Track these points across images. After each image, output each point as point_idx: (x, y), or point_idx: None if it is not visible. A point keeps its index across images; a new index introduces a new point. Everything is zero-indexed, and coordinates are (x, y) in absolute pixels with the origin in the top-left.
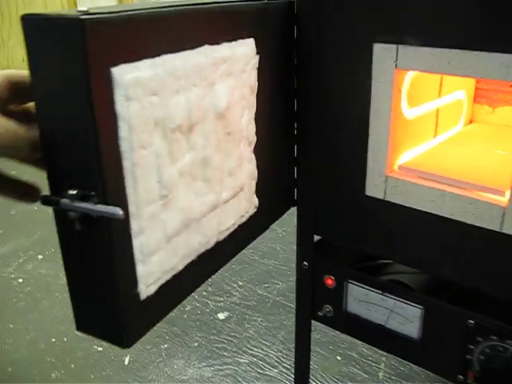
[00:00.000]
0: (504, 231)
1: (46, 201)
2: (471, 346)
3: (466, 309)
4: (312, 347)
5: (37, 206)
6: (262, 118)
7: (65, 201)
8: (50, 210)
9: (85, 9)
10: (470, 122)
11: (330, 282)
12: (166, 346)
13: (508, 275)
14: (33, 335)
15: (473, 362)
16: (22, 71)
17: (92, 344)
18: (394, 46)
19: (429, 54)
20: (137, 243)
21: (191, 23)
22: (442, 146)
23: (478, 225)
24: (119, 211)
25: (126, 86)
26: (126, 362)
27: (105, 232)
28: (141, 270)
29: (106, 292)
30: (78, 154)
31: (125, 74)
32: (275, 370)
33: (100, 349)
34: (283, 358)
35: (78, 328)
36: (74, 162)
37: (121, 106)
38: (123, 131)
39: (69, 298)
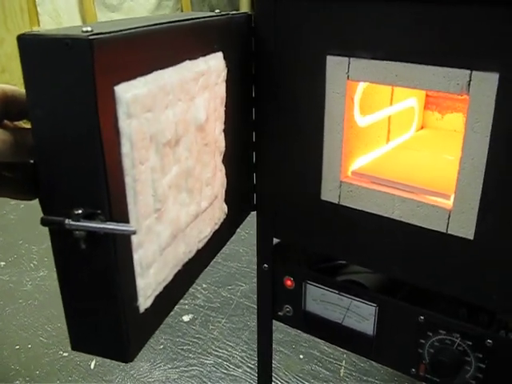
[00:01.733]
0: (449, 232)
1: (47, 222)
2: (422, 341)
3: (417, 306)
4: (275, 346)
5: None
6: (227, 128)
7: (70, 221)
8: (11, 216)
9: (89, 28)
10: (422, 127)
11: (289, 283)
12: None
13: (453, 273)
14: None
15: (423, 356)
16: (18, 89)
17: (57, 350)
18: (345, 59)
19: (378, 67)
20: (136, 257)
21: (175, 39)
22: (394, 152)
23: (425, 227)
24: (132, 227)
25: (127, 104)
26: (92, 367)
27: (110, 249)
28: (140, 283)
29: (108, 308)
30: (83, 173)
31: (126, 92)
32: (240, 370)
33: (65, 354)
34: (247, 357)
35: (74, 347)
36: (78, 181)
37: (123, 123)
38: (125, 148)
39: (33, 305)
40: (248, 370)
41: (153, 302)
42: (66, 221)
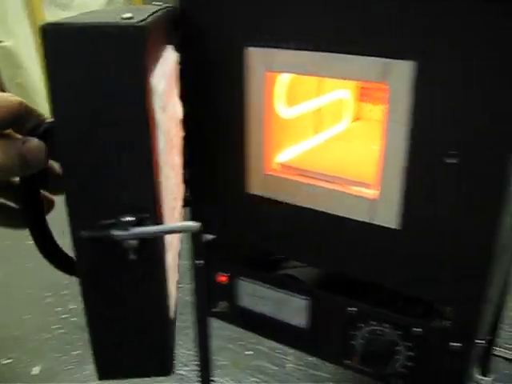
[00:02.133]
0: (375, 222)
1: (93, 238)
2: (354, 332)
3: (348, 297)
4: (223, 343)
5: None
6: None
7: (118, 231)
8: None
9: (130, 14)
10: (357, 119)
11: (223, 278)
12: (77, 352)
13: (381, 263)
14: None
15: (356, 347)
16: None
17: None
18: (264, 50)
19: (297, 58)
20: (167, 262)
21: (158, 31)
22: (326, 144)
23: (352, 218)
24: (196, 223)
25: (160, 96)
26: (36, 372)
27: (157, 255)
28: (171, 289)
29: (154, 322)
30: (129, 176)
31: (158, 84)
32: (187, 368)
33: (8, 361)
34: (194, 356)
35: (103, 375)
36: (123, 186)
37: (159, 116)
38: (162, 143)
39: None
40: (195, 368)
41: (174, 309)
42: (114, 232)
